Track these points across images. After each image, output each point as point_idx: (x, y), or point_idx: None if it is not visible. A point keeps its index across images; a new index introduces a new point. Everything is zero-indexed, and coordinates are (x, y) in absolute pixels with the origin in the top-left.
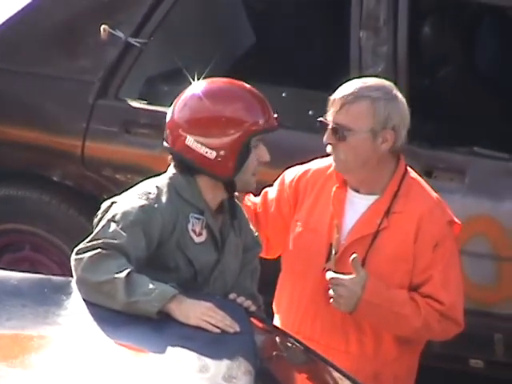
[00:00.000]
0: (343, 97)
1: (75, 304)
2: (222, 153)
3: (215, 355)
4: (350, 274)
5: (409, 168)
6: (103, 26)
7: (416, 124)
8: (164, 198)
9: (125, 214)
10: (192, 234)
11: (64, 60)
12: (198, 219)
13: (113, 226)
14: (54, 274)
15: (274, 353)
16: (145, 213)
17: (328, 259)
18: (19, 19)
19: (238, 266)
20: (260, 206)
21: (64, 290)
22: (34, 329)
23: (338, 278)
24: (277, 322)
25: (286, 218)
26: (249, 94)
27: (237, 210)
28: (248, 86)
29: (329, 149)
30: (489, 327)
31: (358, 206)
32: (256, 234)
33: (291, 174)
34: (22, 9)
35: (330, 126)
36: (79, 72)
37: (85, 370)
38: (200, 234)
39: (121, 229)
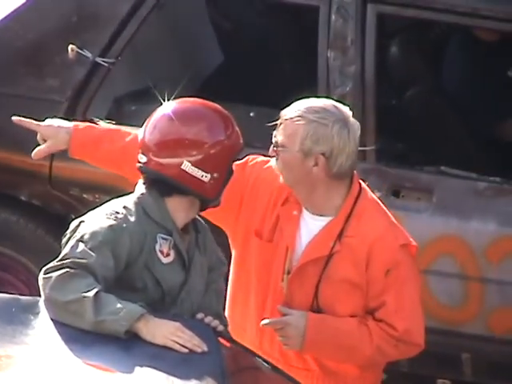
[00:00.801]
0: (285, 115)
1: (43, 324)
2: (215, 175)
3: (183, 375)
4: (303, 296)
5: (366, 189)
6: (71, 46)
7: (383, 143)
8: (132, 218)
9: (93, 234)
10: (160, 254)
11: (32, 80)
12: (166, 240)
13: (81, 245)
14: (21, 294)
15: (242, 372)
16: (113, 232)
17: (283, 279)
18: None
19: (203, 285)
20: None
21: (31, 309)
22: (1, 348)
23: (281, 319)
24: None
25: (225, 207)
26: (215, 114)
27: (199, 226)
28: (216, 105)
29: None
30: (456, 347)
31: (310, 226)
32: (220, 253)
33: (257, 167)
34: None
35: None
36: (47, 92)
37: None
38: (168, 255)
39: (89, 248)
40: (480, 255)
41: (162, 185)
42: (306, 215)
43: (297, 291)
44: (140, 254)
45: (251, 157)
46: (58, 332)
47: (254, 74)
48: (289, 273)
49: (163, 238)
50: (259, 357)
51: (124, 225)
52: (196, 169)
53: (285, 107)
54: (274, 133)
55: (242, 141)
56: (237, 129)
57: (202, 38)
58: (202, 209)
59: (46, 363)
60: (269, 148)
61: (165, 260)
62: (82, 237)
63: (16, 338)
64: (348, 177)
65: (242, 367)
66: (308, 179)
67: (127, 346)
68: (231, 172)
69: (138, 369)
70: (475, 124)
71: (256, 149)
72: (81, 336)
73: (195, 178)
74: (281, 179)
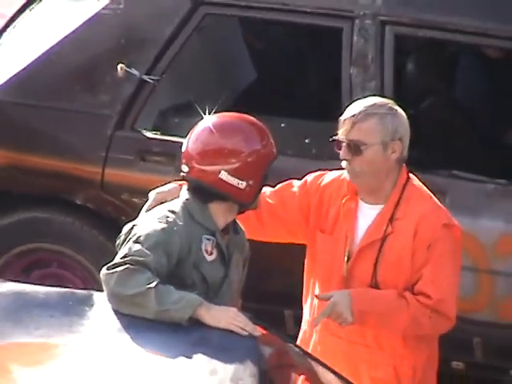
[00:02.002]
0: (354, 116)
1: (96, 315)
2: (250, 182)
3: (224, 359)
4: (363, 276)
5: (412, 176)
6: (120, 65)
7: None
8: (180, 222)
9: (148, 236)
10: (205, 253)
11: (85, 96)
12: (209, 240)
13: (138, 246)
14: (77, 288)
15: (276, 357)
16: (165, 234)
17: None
18: (46, 58)
19: (239, 279)
20: (275, 196)
21: (86, 302)
22: (59, 337)
23: (328, 306)
24: (305, 316)
25: (298, 217)
26: (251, 126)
27: (238, 228)
28: (251, 118)
29: (344, 164)
30: (468, 332)
31: (367, 215)
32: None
33: (315, 181)
34: (49, 49)
35: (344, 144)
36: (99, 106)
37: (105, 374)
38: (211, 253)
39: (146, 248)
40: (490, 250)
41: (204, 191)
42: (363, 206)
43: (357, 273)
44: (189, 254)
45: (309, 175)
46: (111, 322)
47: (283, 89)
48: (349, 259)
49: (207, 239)
50: (292, 342)
51: (174, 228)
52: (232, 177)
53: (312, 118)
54: (342, 137)
55: (275, 150)
56: (271, 139)
57: (238, 57)
58: (240, 212)
59: (99, 350)
60: (299, 154)
61: (209, 258)
62: (138, 238)
63: (72, 327)
64: (404, 162)
65: (277, 352)
66: (385, 167)
67: (173, 334)
68: (266, 179)
69: (183, 354)
70: (485, 131)
71: (287, 156)
72: (131, 325)
73: (232, 185)
74: (347, 177)
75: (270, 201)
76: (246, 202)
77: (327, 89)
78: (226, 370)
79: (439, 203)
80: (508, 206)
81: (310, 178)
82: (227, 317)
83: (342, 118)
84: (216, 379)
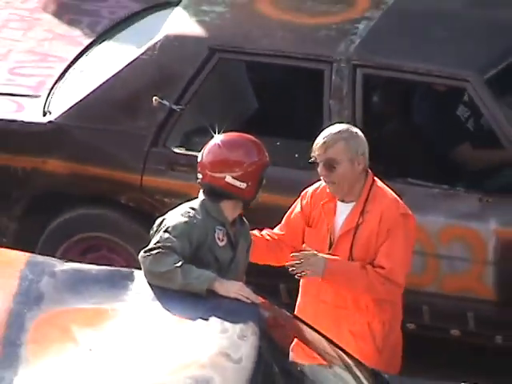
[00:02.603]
0: (325, 142)
1: (136, 287)
2: (249, 184)
3: (232, 321)
4: (342, 257)
5: (376, 179)
6: (155, 97)
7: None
8: (199, 216)
9: (174, 227)
10: (217, 240)
11: (129, 120)
12: (221, 230)
13: (166, 234)
14: (122, 267)
15: (273, 320)
16: (187, 226)
17: (329, 248)
18: (100, 91)
19: (244, 262)
20: (284, 227)
21: (129, 277)
22: (108, 304)
23: (306, 252)
24: (304, 288)
25: (303, 225)
26: (251, 143)
27: (243, 221)
28: (251, 136)
29: (323, 178)
30: (419, 301)
31: (343, 211)
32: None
33: (303, 199)
34: (102, 83)
35: (322, 163)
36: (139, 129)
37: (144, 331)
38: (222, 240)
39: (173, 236)
40: (435, 238)
41: (215, 192)
42: (340, 205)
43: (337, 255)
44: (205, 240)
45: (304, 190)
46: (147, 293)
47: (279, 115)
48: (331, 245)
49: (219, 229)
50: (285, 309)
51: (194, 221)
52: (236, 181)
53: (301, 138)
54: (320, 158)
55: (268, 160)
56: (265, 152)
57: (243, 90)
58: (245, 207)
59: (138, 314)
60: (290, 166)
61: (220, 244)
62: (167, 229)
63: (118, 297)
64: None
65: (274, 316)
66: (354, 176)
67: (193, 302)
68: (262, 180)
69: (201, 317)
70: (433, 147)
71: (281, 167)
72: (162, 295)
73: (236, 186)
74: (327, 189)
75: (281, 232)
76: (247, 198)
77: (312, 115)
78: (234, 329)
79: (398, 198)
80: (448, 205)
81: (299, 200)
82: (235, 289)
83: (316, 142)
84: (226, 336)
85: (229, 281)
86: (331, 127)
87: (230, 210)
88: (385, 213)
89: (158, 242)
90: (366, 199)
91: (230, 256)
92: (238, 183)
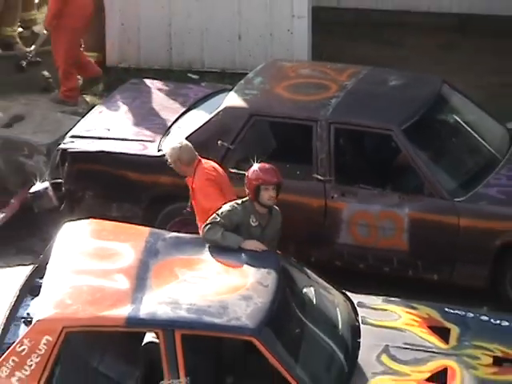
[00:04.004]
0: (166, 151)
1: (201, 248)
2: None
3: (262, 263)
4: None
5: (203, 160)
6: (219, 141)
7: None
8: (239, 208)
9: (222, 212)
10: (252, 222)
11: (205, 154)
12: (254, 216)
13: (217, 216)
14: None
15: (286, 263)
16: (229, 212)
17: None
18: (190, 139)
19: (272, 236)
20: None
21: (197, 242)
22: (195, 255)
23: None
24: None
25: None
26: (264, 168)
27: (273, 212)
28: (268, 165)
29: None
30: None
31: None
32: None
33: None
34: (190, 134)
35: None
36: (210, 158)
37: (215, 269)
38: (255, 222)
39: (220, 217)
40: (376, 219)
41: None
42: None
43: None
44: (243, 222)
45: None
46: (217, 249)
47: (290, 154)
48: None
49: (253, 215)
50: (296, 260)
51: (235, 210)
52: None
53: (298, 164)
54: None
55: (281, 179)
56: (279, 174)
57: (269, 137)
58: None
59: (212, 261)
60: (292, 178)
61: (253, 224)
62: (218, 213)
63: (201, 251)
64: (192, 162)
65: (288, 266)
66: (183, 169)
67: (239, 254)
68: (278, 189)
69: (245, 262)
70: (375, 167)
71: (297, 179)
72: (224, 251)
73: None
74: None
75: None
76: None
77: (306, 150)
78: (263, 267)
79: (209, 170)
80: (382, 200)
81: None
82: (254, 245)
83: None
84: (259, 271)
85: (250, 240)
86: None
87: (258, 206)
88: (195, 180)
89: (210, 219)
90: (194, 174)
91: (259, 233)
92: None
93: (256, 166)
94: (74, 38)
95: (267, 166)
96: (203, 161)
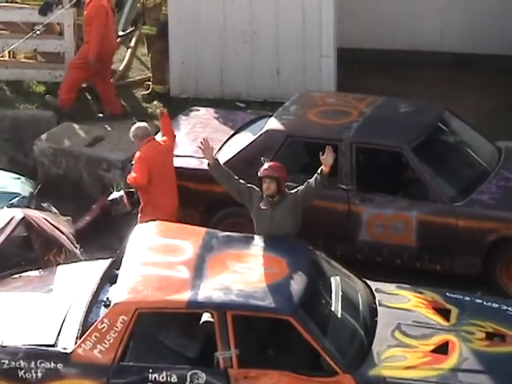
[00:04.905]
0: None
1: (255, 242)
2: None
3: (293, 261)
4: None
5: (154, 141)
6: (262, 158)
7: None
8: (253, 191)
9: (244, 183)
10: (261, 205)
11: (249, 173)
12: (263, 200)
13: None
14: (248, 234)
15: (318, 260)
16: (245, 185)
17: None
18: (238, 156)
19: (282, 219)
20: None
21: (251, 239)
22: (242, 251)
23: None
24: None
25: None
26: (269, 164)
27: (285, 194)
28: (275, 163)
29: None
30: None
31: None
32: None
33: None
34: (237, 153)
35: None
36: (253, 175)
37: (255, 261)
38: (264, 206)
39: (239, 179)
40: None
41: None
42: None
43: None
44: (252, 204)
45: None
46: (258, 243)
47: (313, 165)
48: None
49: (263, 201)
50: (324, 254)
51: (248, 189)
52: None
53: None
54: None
55: (277, 175)
56: (277, 170)
57: (302, 156)
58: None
59: (255, 254)
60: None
61: (263, 207)
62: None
63: (246, 247)
64: (144, 139)
65: (318, 257)
66: (136, 144)
67: (275, 249)
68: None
69: (281, 256)
70: (388, 178)
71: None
72: (265, 243)
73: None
74: None
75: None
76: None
77: (335, 167)
78: (295, 255)
79: (146, 148)
80: (395, 205)
81: None
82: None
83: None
84: (291, 260)
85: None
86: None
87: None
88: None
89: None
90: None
91: (268, 213)
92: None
93: (266, 165)
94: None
95: (274, 163)
96: (154, 141)
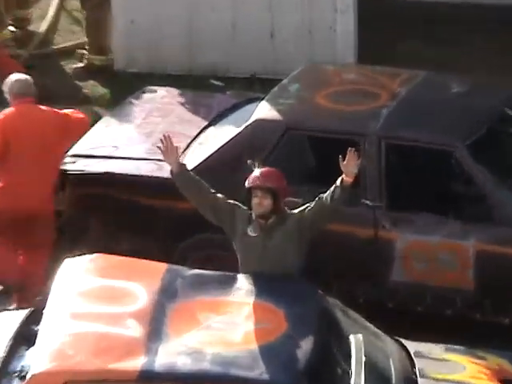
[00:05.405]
0: None
1: (238, 285)
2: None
3: (293, 311)
4: None
5: (28, 105)
6: (248, 160)
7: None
8: (236, 208)
9: (222, 197)
10: (249, 231)
11: (233, 176)
12: (253, 225)
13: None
14: (228, 272)
15: (331, 309)
16: (224, 200)
17: None
18: (212, 158)
19: (281, 248)
20: None
21: (233, 279)
22: (220, 297)
23: None
24: None
25: None
26: (260, 171)
27: (285, 218)
28: (269, 168)
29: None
30: None
31: None
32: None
33: None
34: (213, 153)
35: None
36: (237, 181)
37: (242, 312)
38: (252, 232)
39: (215, 192)
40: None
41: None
42: None
43: None
44: (235, 228)
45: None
46: (245, 289)
47: (329, 171)
48: None
49: (252, 225)
50: (340, 301)
51: (228, 205)
52: None
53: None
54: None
55: (261, 183)
56: (266, 180)
57: (307, 154)
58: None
59: (239, 302)
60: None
61: (251, 234)
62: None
63: (226, 292)
64: (17, 99)
65: (331, 306)
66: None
67: (267, 294)
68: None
69: (276, 305)
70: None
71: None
72: (256, 290)
73: None
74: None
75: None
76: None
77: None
78: (296, 315)
79: (6, 115)
80: (443, 229)
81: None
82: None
83: None
84: (293, 310)
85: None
86: None
87: (255, 215)
88: None
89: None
90: None
91: (259, 243)
92: None
93: (257, 171)
94: None
95: (267, 169)
96: (31, 105)
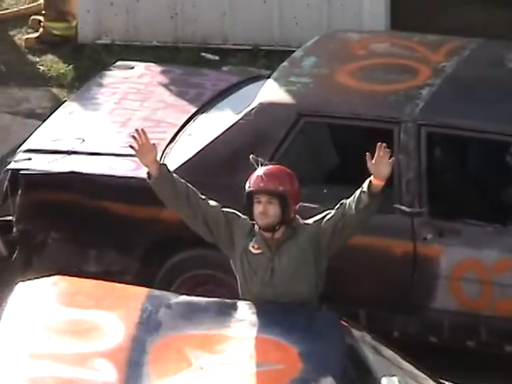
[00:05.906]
0: None
1: (239, 315)
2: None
3: (309, 347)
4: None
5: None
6: (251, 155)
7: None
8: (236, 218)
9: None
10: (251, 248)
11: (230, 175)
12: (256, 240)
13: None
14: (227, 299)
15: (357, 345)
16: (219, 209)
17: None
18: (206, 150)
19: (293, 265)
20: None
21: (233, 307)
22: (216, 330)
23: None
24: None
25: None
26: (266, 170)
27: (297, 230)
28: (275, 168)
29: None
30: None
31: None
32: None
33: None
34: (207, 144)
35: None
36: (238, 182)
37: (244, 351)
38: (255, 249)
39: (207, 199)
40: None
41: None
42: None
43: None
44: (235, 247)
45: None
46: (248, 320)
47: (354, 169)
48: None
49: (255, 240)
50: (370, 334)
51: (223, 214)
52: None
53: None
54: None
55: (264, 186)
56: (271, 182)
57: (326, 148)
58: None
59: (242, 338)
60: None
61: (254, 251)
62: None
63: (224, 324)
64: None
65: (358, 341)
66: None
67: (275, 326)
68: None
69: (286, 340)
70: (487, 192)
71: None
72: (260, 322)
73: None
74: None
75: None
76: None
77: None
78: (312, 353)
79: None
80: (502, 242)
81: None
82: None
83: None
84: (309, 350)
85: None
86: None
87: (258, 228)
88: None
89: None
90: None
91: (265, 261)
92: None
93: (260, 170)
94: None
95: (273, 167)
96: None
